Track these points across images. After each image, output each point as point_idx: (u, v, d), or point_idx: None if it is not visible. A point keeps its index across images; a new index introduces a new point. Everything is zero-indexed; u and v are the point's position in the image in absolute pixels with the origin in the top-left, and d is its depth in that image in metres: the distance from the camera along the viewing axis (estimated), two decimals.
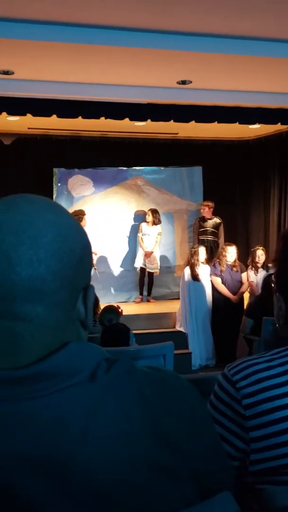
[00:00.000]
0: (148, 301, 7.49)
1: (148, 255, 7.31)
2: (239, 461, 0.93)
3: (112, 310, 3.75)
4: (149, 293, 7.51)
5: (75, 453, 0.61)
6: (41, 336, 0.66)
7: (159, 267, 7.45)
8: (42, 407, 0.62)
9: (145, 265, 7.36)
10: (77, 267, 0.69)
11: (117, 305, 3.98)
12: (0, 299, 0.64)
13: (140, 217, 7.94)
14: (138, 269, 7.49)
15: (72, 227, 0.71)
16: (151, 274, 7.44)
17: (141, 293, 7.54)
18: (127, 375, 0.67)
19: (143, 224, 7.47)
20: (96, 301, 3.95)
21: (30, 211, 0.68)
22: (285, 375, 0.93)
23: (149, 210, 7.48)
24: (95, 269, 7.14)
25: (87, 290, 0.72)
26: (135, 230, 7.94)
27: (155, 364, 2.38)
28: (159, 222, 7.43)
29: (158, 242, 7.43)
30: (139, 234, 7.47)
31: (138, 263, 7.43)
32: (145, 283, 7.51)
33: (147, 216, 7.44)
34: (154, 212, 7.41)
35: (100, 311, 4.08)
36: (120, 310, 3.90)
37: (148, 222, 7.40)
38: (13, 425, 0.61)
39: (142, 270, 7.42)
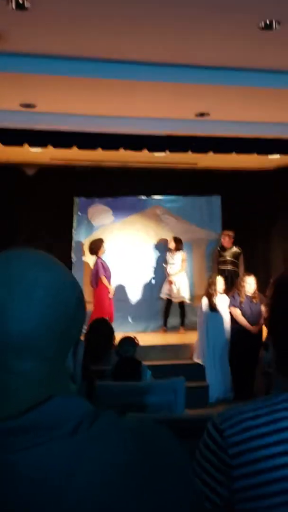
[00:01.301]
0: (179, 331, 7.37)
1: (171, 283, 7.31)
2: (223, 510, 0.91)
3: (129, 341, 3.72)
4: (182, 323, 7.42)
5: (54, 508, 0.60)
6: (28, 390, 0.67)
7: (188, 296, 7.39)
8: (21, 460, 0.61)
9: (169, 295, 7.34)
10: (68, 324, 0.70)
11: (134, 336, 3.94)
12: None
13: (160, 246, 7.97)
14: (164, 299, 7.48)
15: (66, 283, 0.72)
16: (181, 304, 7.40)
17: (165, 324, 7.47)
18: (109, 430, 0.67)
19: (168, 254, 7.51)
20: (112, 332, 3.92)
21: (24, 267, 0.69)
22: (272, 424, 0.90)
23: (172, 237, 7.57)
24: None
25: (77, 345, 0.73)
26: (153, 259, 7.97)
27: (151, 411, 2.34)
28: (181, 248, 7.45)
29: (184, 269, 7.41)
30: (164, 265, 7.51)
31: (163, 293, 7.41)
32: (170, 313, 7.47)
33: (169, 243, 7.50)
34: (176, 239, 7.49)
35: (115, 342, 4.06)
36: (136, 341, 3.86)
37: (171, 249, 7.42)
38: None
39: (168, 300, 7.39)
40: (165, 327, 7.46)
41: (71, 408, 0.67)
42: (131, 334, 7.09)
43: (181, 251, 7.48)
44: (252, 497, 0.87)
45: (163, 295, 7.45)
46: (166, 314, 7.46)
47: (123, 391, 2.43)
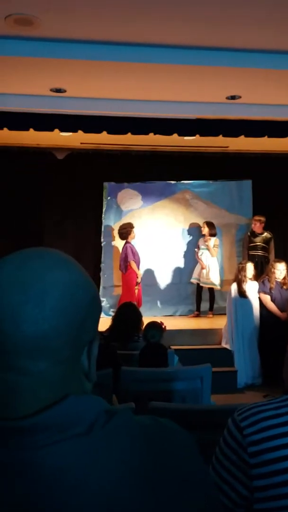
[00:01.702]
0: (208, 316, 7.40)
1: (203, 268, 7.33)
2: (243, 508, 0.91)
3: (155, 326, 3.74)
4: (210, 308, 7.44)
5: (71, 505, 0.62)
6: (42, 390, 0.67)
7: (218, 281, 7.39)
8: (38, 458, 0.63)
9: (199, 280, 7.35)
10: (82, 324, 0.70)
11: (161, 321, 3.97)
12: (5, 353, 0.66)
13: (191, 231, 7.94)
14: (194, 284, 7.50)
15: (81, 283, 0.72)
16: (211, 290, 7.41)
17: (198, 309, 7.50)
18: (123, 429, 0.67)
19: (200, 239, 7.50)
20: (139, 317, 3.96)
21: (39, 268, 0.69)
22: None
23: (204, 222, 7.52)
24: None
25: (92, 343, 0.73)
26: (183, 244, 7.95)
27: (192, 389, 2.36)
28: (215, 234, 7.42)
29: (215, 255, 7.40)
30: (196, 250, 7.49)
31: (194, 278, 7.44)
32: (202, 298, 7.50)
33: (202, 229, 7.47)
34: (209, 224, 7.43)
35: (143, 326, 4.09)
36: (163, 326, 3.89)
37: (204, 234, 7.39)
38: (8, 475, 0.62)
39: (199, 285, 7.41)
40: (198, 312, 7.47)
41: (86, 407, 0.67)
42: (160, 319, 7.18)
43: (214, 236, 7.44)
44: (271, 497, 0.86)
45: (194, 280, 7.44)
46: (199, 299, 7.47)
47: (149, 377, 2.45)
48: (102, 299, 7.59)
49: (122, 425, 0.68)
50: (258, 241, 7.34)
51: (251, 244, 7.37)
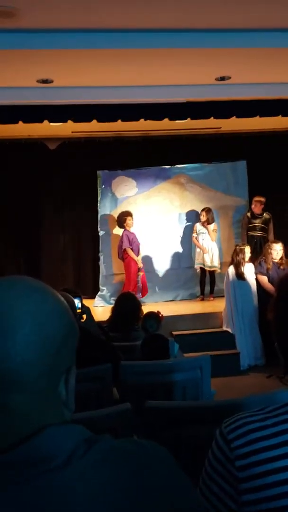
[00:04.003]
0: (209, 299, 7.44)
1: (204, 252, 7.34)
2: None
3: (152, 317, 3.75)
4: (211, 291, 7.48)
5: None
6: (19, 423, 0.66)
7: (219, 264, 7.42)
8: (10, 497, 0.61)
9: (203, 265, 7.36)
10: (57, 354, 0.69)
11: (157, 311, 3.98)
12: None
13: (188, 215, 7.92)
14: (198, 270, 7.50)
15: (53, 312, 0.70)
16: (212, 273, 7.43)
17: (202, 293, 7.54)
18: (104, 457, 0.66)
19: (197, 224, 7.48)
20: (139, 306, 3.96)
21: (9, 299, 0.68)
22: (278, 437, 0.88)
23: (202, 210, 7.50)
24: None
25: (69, 371, 0.72)
26: (180, 229, 7.93)
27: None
28: (213, 220, 7.44)
29: (214, 239, 7.40)
30: (194, 235, 7.48)
31: (197, 263, 7.45)
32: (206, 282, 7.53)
33: (201, 217, 7.44)
34: (208, 211, 7.42)
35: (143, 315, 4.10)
36: (160, 315, 3.90)
37: (203, 222, 7.39)
38: None
39: (202, 270, 7.42)
40: (202, 296, 7.51)
41: (64, 438, 0.66)
42: (161, 304, 7.23)
43: (213, 222, 7.43)
44: (260, 511, 0.85)
45: (198, 265, 7.45)
46: (203, 284, 7.49)
47: (148, 370, 2.47)
48: (102, 287, 7.61)
49: (102, 453, 0.66)
50: (257, 222, 7.32)
51: (250, 225, 7.35)
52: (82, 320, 3.50)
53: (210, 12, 4.17)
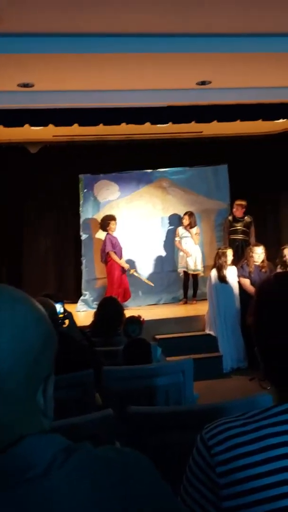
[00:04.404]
0: (192, 302, 7.47)
1: (187, 256, 7.37)
2: None
3: (134, 321, 3.75)
4: (194, 295, 7.51)
5: None
6: None
7: (202, 268, 7.45)
8: None
9: (187, 268, 7.38)
10: (35, 363, 0.69)
11: (138, 315, 3.97)
12: None
13: (170, 219, 7.94)
14: (181, 274, 7.52)
15: (31, 322, 0.70)
16: (195, 276, 7.46)
17: (185, 296, 7.56)
18: (84, 465, 0.66)
19: (179, 228, 7.49)
20: (121, 311, 3.95)
21: None
22: (258, 442, 0.87)
23: (185, 214, 7.54)
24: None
25: (48, 380, 0.72)
26: (162, 232, 7.95)
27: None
28: (195, 224, 7.48)
29: (197, 242, 7.43)
30: (177, 238, 7.50)
31: (181, 267, 7.46)
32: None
33: (184, 221, 7.47)
34: (190, 215, 7.47)
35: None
36: (142, 320, 3.90)
37: (185, 226, 7.41)
38: None
39: (186, 273, 7.44)
40: (185, 299, 7.54)
41: (43, 448, 0.66)
42: (144, 308, 7.22)
43: (195, 226, 7.47)
44: None
45: (181, 269, 7.47)
46: (186, 287, 7.52)
47: (131, 375, 2.46)
48: (84, 292, 7.57)
49: (83, 460, 0.66)
50: (239, 225, 7.38)
51: (232, 229, 7.41)
52: (65, 326, 3.48)
53: (190, 16, 4.20)
